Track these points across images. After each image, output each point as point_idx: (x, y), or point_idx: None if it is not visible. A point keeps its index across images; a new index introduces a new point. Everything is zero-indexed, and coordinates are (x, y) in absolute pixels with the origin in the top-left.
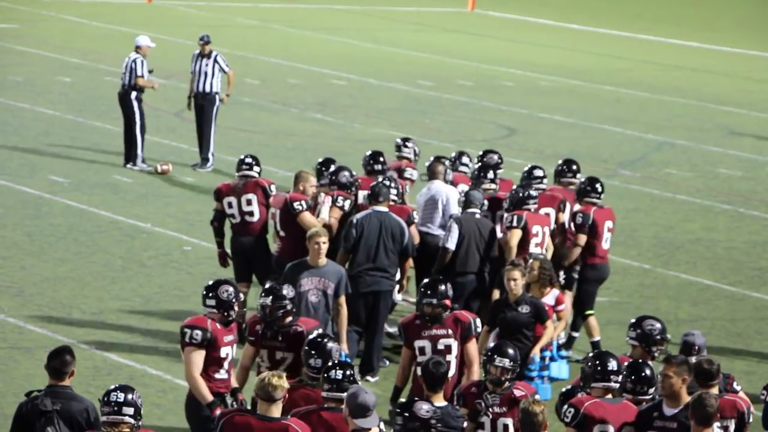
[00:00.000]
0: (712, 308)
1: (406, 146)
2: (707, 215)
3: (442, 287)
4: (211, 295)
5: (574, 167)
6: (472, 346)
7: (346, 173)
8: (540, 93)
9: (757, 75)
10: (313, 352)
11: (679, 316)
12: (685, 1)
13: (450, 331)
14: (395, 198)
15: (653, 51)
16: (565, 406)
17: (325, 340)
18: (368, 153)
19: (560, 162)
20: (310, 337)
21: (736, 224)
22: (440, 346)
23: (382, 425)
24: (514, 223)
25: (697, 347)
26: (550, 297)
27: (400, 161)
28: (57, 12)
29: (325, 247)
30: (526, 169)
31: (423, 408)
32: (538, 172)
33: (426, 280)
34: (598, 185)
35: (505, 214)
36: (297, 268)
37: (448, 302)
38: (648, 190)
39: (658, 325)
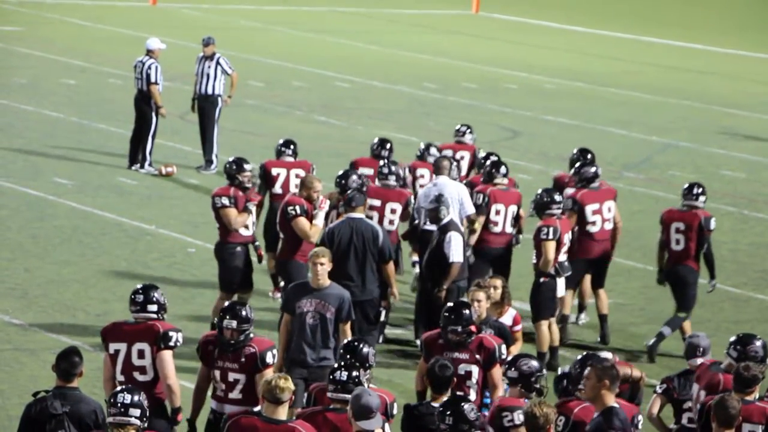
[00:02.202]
0: (716, 310)
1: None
2: None
3: (467, 312)
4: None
5: (589, 156)
6: (497, 372)
7: (355, 177)
8: (544, 95)
9: (762, 77)
10: (348, 356)
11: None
12: (690, 3)
13: (472, 357)
14: (394, 183)
15: (657, 53)
16: (557, 415)
17: (361, 344)
18: (377, 139)
19: (575, 151)
20: (345, 341)
21: (740, 226)
22: (461, 371)
23: (386, 427)
24: (550, 236)
25: (701, 349)
26: (507, 317)
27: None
28: (61, 14)
29: (324, 269)
30: (578, 164)
31: (469, 409)
32: (600, 171)
33: (451, 305)
34: (697, 189)
35: (538, 225)
36: (298, 288)
37: (473, 328)
38: (652, 192)
39: (760, 347)
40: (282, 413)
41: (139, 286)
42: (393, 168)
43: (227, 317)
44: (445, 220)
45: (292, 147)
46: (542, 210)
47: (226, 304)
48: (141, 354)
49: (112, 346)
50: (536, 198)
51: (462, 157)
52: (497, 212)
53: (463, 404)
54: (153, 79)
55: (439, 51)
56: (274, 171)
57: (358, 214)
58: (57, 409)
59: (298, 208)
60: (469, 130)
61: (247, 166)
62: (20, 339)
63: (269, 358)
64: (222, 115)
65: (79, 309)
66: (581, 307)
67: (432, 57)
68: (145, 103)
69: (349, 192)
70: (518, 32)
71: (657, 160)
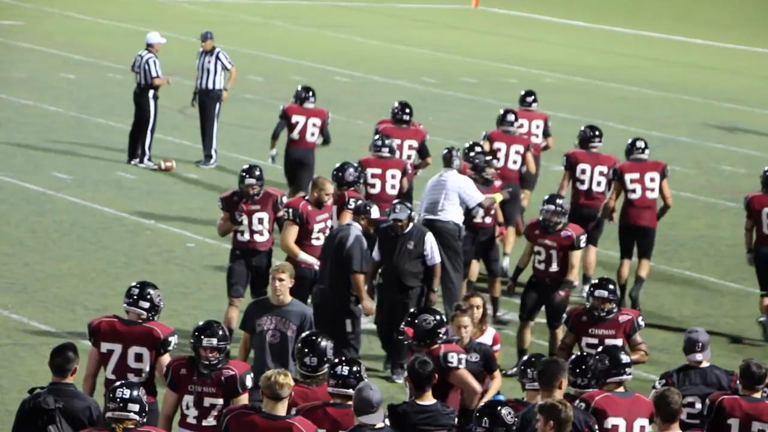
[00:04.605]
0: (716, 305)
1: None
2: (711, 212)
3: (417, 316)
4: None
5: (598, 132)
6: (456, 378)
7: (351, 170)
8: (544, 90)
9: (762, 72)
10: (306, 350)
11: (683, 313)
12: None
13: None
14: (388, 155)
15: (657, 48)
16: (577, 401)
17: (319, 338)
18: (397, 103)
19: (583, 128)
20: (303, 335)
21: (739, 221)
22: None
23: (387, 422)
24: (583, 243)
25: (700, 344)
26: (487, 336)
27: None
28: (61, 9)
29: (283, 285)
30: (627, 141)
31: (506, 412)
32: (639, 143)
33: (413, 311)
34: None
35: (576, 234)
36: (258, 305)
37: (408, 331)
38: None
39: None
40: (281, 409)
41: (139, 281)
42: (388, 140)
43: (205, 336)
44: (410, 226)
45: (312, 93)
46: (566, 216)
47: (200, 323)
48: (139, 358)
49: (105, 346)
50: (562, 207)
51: (538, 126)
52: None
53: (500, 408)
54: (154, 74)
55: (438, 45)
56: (294, 118)
57: (354, 223)
58: (49, 404)
59: (291, 211)
60: (533, 98)
61: (249, 180)
62: (19, 334)
63: (249, 382)
64: (222, 110)
65: (78, 304)
66: (586, 279)
67: (431, 51)
68: (144, 98)
69: (361, 203)
70: (518, 27)
71: (657, 155)
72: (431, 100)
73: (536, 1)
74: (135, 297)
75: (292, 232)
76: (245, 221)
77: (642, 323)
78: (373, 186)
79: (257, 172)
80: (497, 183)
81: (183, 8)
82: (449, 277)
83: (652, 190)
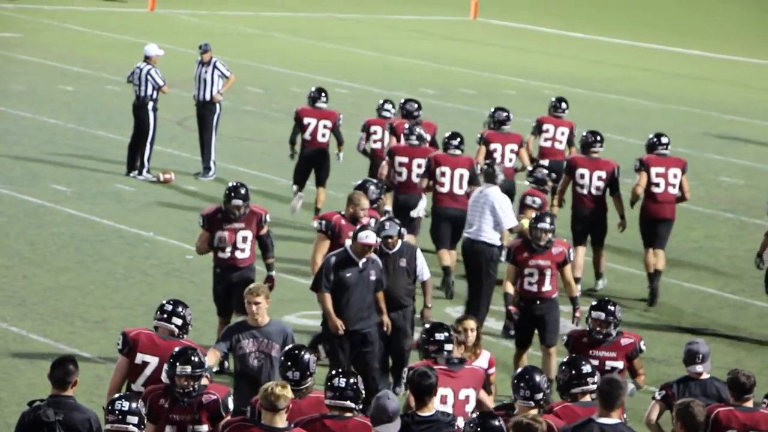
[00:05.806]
0: (714, 316)
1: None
2: (710, 223)
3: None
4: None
5: (599, 137)
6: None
7: (373, 188)
8: (542, 101)
9: (760, 83)
10: (289, 363)
11: (682, 325)
12: (688, 9)
13: None
14: (417, 143)
15: (655, 59)
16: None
17: (302, 352)
18: (412, 101)
19: (584, 133)
20: (286, 349)
21: (738, 232)
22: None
23: None
24: (572, 257)
25: (701, 356)
26: (483, 359)
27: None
28: (59, 21)
29: (260, 307)
30: (651, 136)
31: (499, 423)
32: (664, 139)
33: (428, 325)
34: None
35: (567, 248)
36: (237, 328)
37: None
38: None
39: None
40: (280, 421)
41: (172, 298)
42: (420, 128)
43: (179, 363)
44: (399, 243)
45: (324, 95)
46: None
47: (176, 350)
48: None
49: (141, 357)
50: (553, 224)
51: (563, 132)
52: (442, 174)
53: (492, 420)
54: (161, 83)
55: (437, 57)
56: (306, 120)
57: (346, 246)
58: (50, 417)
59: (324, 223)
60: (567, 105)
61: (236, 202)
62: (18, 346)
63: (231, 404)
64: (220, 122)
65: (77, 316)
66: (598, 275)
67: (430, 63)
68: (144, 110)
69: (359, 226)
70: (516, 38)
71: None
72: (430, 112)
73: (535, 12)
74: (168, 313)
75: (323, 246)
76: (227, 238)
77: (644, 347)
78: (400, 174)
79: (243, 191)
80: (548, 197)
81: (181, 20)
82: (481, 298)
83: (674, 186)
